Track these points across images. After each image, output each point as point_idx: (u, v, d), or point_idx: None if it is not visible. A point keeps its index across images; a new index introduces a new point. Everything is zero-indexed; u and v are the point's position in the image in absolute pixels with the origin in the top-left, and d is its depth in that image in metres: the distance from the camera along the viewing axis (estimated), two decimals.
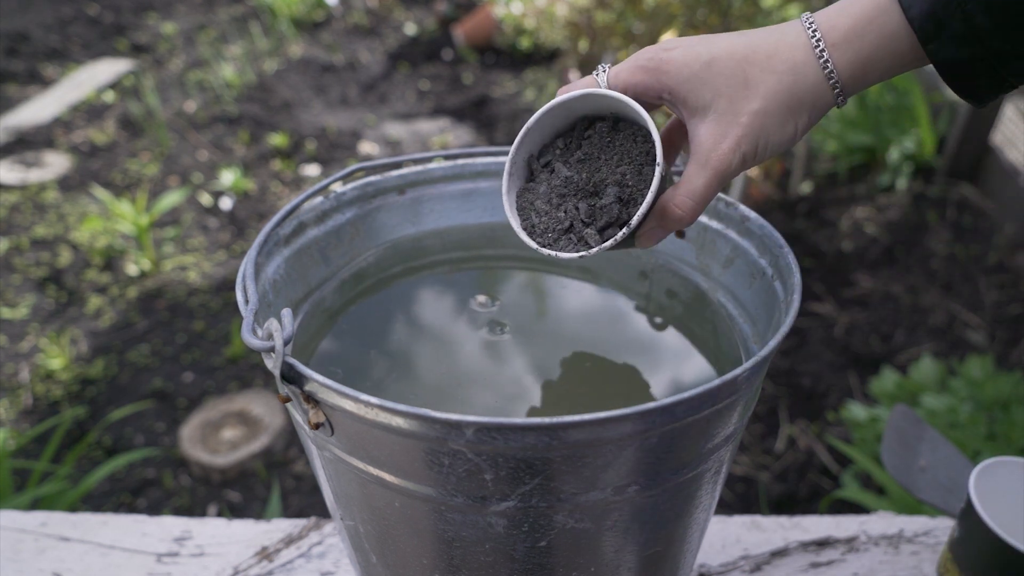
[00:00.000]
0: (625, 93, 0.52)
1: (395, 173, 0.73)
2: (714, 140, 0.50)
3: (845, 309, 2.24)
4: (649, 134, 0.52)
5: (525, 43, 3.79)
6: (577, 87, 0.53)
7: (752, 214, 0.64)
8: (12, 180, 2.90)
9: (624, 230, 0.51)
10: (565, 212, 0.54)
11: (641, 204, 0.51)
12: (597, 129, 0.55)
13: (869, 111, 2.84)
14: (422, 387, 0.60)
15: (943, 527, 0.84)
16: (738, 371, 0.46)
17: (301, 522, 0.85)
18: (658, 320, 0.67)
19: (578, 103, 0.54)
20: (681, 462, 0.49)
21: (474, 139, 3.20)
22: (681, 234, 0.71)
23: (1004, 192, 2.51)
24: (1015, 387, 1.60)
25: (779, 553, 0.81)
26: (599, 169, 0.54)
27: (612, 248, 0.51)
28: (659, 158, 0.50)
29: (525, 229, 0.55)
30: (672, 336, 0.66)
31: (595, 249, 0.52)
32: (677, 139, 0.58)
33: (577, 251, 0.53)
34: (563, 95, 0.53)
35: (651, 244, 0.54)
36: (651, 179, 0.51)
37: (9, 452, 1.48)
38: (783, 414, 1.92)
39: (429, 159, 0.74)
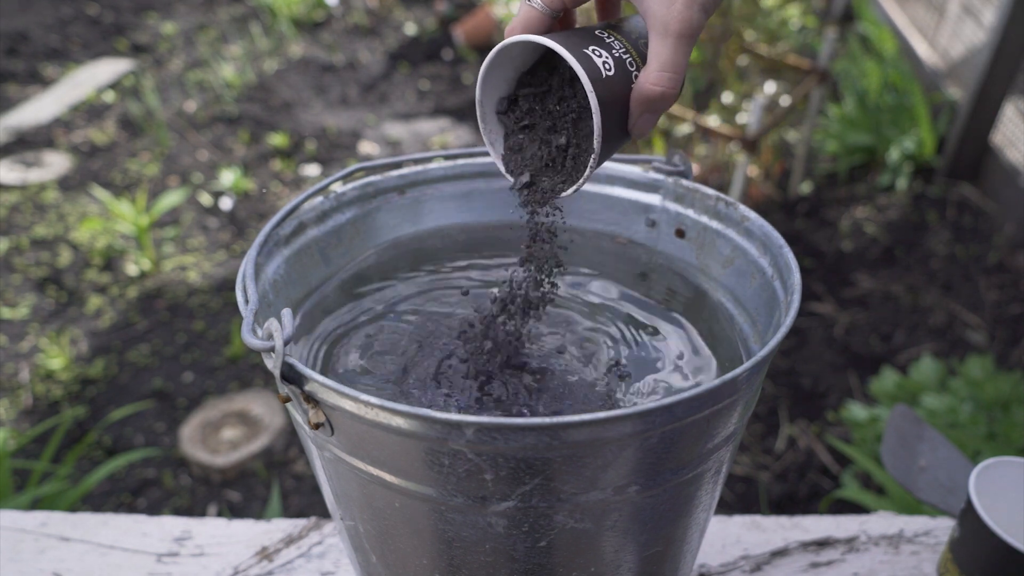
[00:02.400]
0: (563, 2, 0.52)
1: (395, 173, 0.73)
2: (665, 4, 0.48)
3: (845, 309, 2.24)
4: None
5: None
6: (515, 25, 0.52)
7: (752, 214, 0.64)
8: (12, 180, 2.90)
9: (596, 139, 0.50)
10: (547, 156, 0.55)
11: (595, 117, 0.49)
12: (538, 76, 0.55)
13: (869, 111, 2.84)
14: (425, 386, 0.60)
15: (943, 527, 0.84)
16: (738, 371, 0.46)
17: (301, 522, 0.85)
18: (667, 313, 0.67)
19: (502, 57, 0.53)
20: (681, 462, 0.49)
21: (474, 139, 3.20)
22: (681, 234, 0.71)
23: (1004, 192, 2.51)
24: (1015, 387, 1.60)
25: (779, 553, 0.81)
26: (553, 113, 0.54)
27: (605, 156, 0.51)
28: (574, 64, 0.48)
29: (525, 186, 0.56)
30: (672, 335, 0.66)
31: (588, 172, 0.52)
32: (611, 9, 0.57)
33: (576, 181, 0.53)
34: (482, 69, 0.53)
35: (647, 131, 0.52)
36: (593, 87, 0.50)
37: (9, 452, 1.48)
38: (783, 414, 1.92)
39: (429, 159, 0.74)
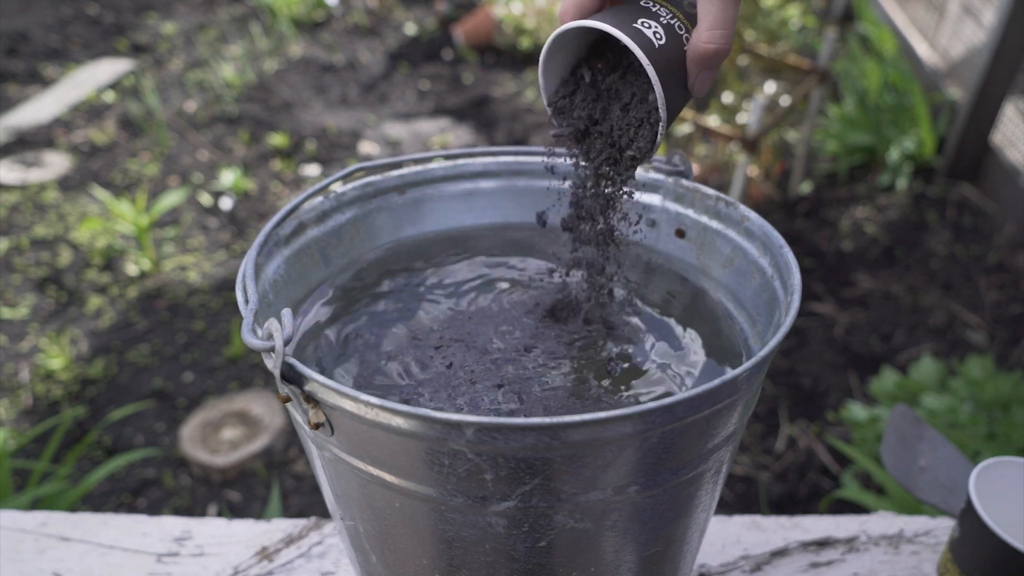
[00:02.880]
0: None
1: (395, 173, 0.73)
2: None
3: (845, 309, 2.24)
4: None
5: (525, 43, 3.79)
6: (567, 7, 0.55)
7: (752, 214, 0.64)
8: (12, 180, 2.90)
9: (661, 108, 0.52)
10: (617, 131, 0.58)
11: (655, 87, 0.52)
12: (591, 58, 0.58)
13: (869, 111, 2.84)
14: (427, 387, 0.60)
15: (943, 527, 0.84)
16: (738, 371, 0.46)
17: (301, 522, 0.85)
18: (667, 312, 0.67)
19: (558, 44, 0.56)
20: (681, 462, 0.49)
21: (474, 139, 3.20)
22: (681, 234, 0.71)
23: (1004, 192, 2.51)
24: (1015, 387, 1.60)
25: (779, 553, 0.81)
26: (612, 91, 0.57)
27: (672, 119, 0.54)
28: (626, 41, 0.50)
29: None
30: (672, 335, 0.66)
31: (659, 138, 0.55)
32: None
33: (649, 156, 0.57)
34: (541, 59, 0.56)
35: (707, 87, 0.55)
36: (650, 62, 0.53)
37: (9, 452, 1.48)
38: (783, 414, 1.92)
39: (429, 159, 0.74)
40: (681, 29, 0.53)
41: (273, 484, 1.73)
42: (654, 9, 0.53)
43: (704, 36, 0.51)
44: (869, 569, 0.79)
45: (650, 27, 0.52)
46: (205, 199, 2.82)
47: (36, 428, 1.71)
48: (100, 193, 2.63)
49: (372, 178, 0.71)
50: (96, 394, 2.03)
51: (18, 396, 2.01)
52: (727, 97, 2.51)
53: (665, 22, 0.52)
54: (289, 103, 3.48)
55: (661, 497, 0.51)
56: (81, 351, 2.17)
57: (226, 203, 2.80)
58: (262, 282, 0.61)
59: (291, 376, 0.47)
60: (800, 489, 1.74)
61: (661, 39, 0.52)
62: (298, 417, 0.53)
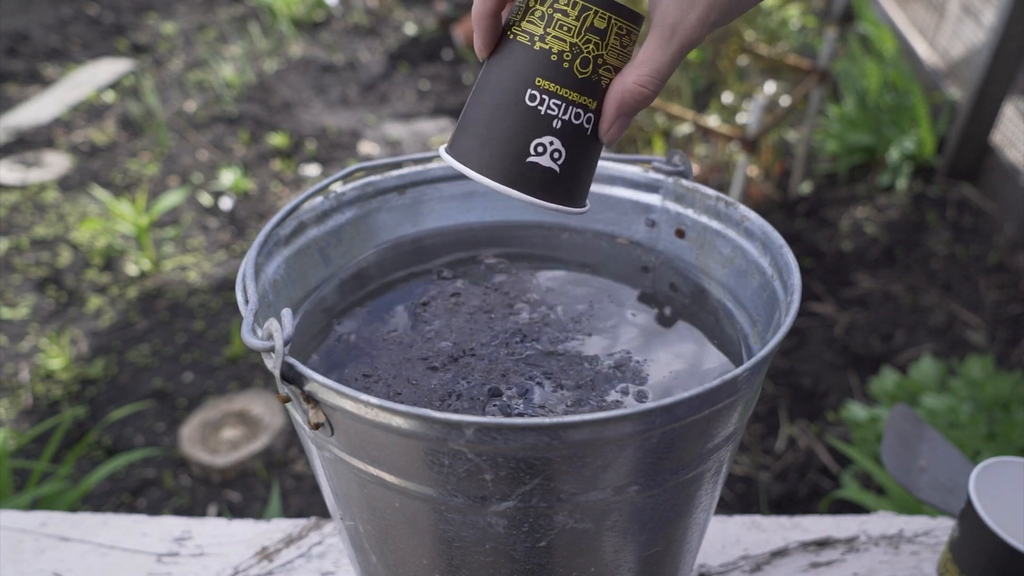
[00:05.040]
0: None
1: (395, 173, 0.73)
2: (681, 11, 0.45)
3: (845, 309, 2.24)
4: None
5: None
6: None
7: (752, 214, 0.64)
8: (12, 180, 2.90)
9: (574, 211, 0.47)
10: None
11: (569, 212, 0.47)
12: None
13: (869, 111, 2.84)
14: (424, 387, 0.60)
15: (943, 527, 0.84)
16: (738, 371, 0.46)
17: (301, 522, 0.85)
18: (667, 312, 0.67)
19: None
20: (681, 462, 0.49)
21: None
22: (681, 234, 0.71)
23: (1004, 192, 2.51)
24: (1015, 387, 1.60)
25: (779, 553, 0.81)
26: None
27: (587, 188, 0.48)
28: (527, 200, 0.45)
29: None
30: (673, 335, 0.66)
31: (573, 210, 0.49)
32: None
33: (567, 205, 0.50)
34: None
35: (618, 138, 0.48)
36: None
37: (9, 452, 1.48)
38: (783, 414, 1.92)
39: (429, 159, 0.74)
40: (578, 116, 0.45)
41: (273, 484, 1.73)
42: (543, 109, 0.44)
43: (642, 79, 0.45)
44: (869, 569, 0.79)
45: (546, 149, 0.45)
46: (205, 199, 2.82)
47: (36, 428, 1.71)
48: (100, 193, 2.63)
49: (372, 178, 0.71)
50: (96, 394, 2.03)
51: (18, 396, 2.01)
52: (727, 97, 2.51)
53: (558, 125, 0.45)
54: (289, 103, 3.48)
55: (661, 497, 0.51)
56: (81, 351, 2.17)
57: (226, 203, 2.80)
58: (262, 282, 0.61)
59: (291, 376, 0.47)
60: (800, 489, 1.74)
61: (560, 157, 0.45)
62: (298, 417, 0.53)
